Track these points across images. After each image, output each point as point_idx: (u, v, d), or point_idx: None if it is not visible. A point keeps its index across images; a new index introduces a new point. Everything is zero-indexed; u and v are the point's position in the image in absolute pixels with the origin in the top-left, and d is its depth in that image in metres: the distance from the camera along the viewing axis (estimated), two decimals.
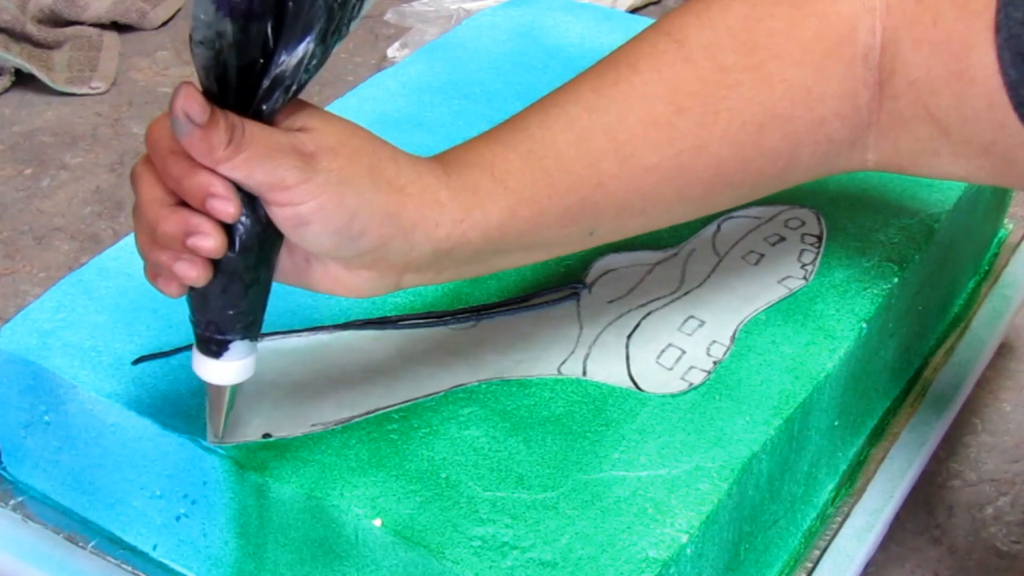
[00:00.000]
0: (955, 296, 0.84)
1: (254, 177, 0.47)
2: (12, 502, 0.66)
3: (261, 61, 0.46)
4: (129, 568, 0.62)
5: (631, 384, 0.62)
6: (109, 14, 1.45)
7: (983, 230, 0.85)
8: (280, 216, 0.48)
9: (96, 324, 0.65)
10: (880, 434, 0.74)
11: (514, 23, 0.91)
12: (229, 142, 0.46)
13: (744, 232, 0.72)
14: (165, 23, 1.48)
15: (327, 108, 0.82)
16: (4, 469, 0.67)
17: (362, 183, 0.49)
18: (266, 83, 0.47)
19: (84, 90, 1.34)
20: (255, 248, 0.49)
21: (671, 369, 0.63)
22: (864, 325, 0.66)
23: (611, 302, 0.67)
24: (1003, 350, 0.96)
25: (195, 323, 0.52)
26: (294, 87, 0.47)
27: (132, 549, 0.63)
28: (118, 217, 1.14)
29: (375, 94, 0.84)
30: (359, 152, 0.50)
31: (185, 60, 1.40)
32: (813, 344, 0.65)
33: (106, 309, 0.66)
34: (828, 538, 0.67)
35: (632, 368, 0.63)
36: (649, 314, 0.66)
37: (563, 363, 0.63)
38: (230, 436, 0.58)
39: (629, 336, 0.65)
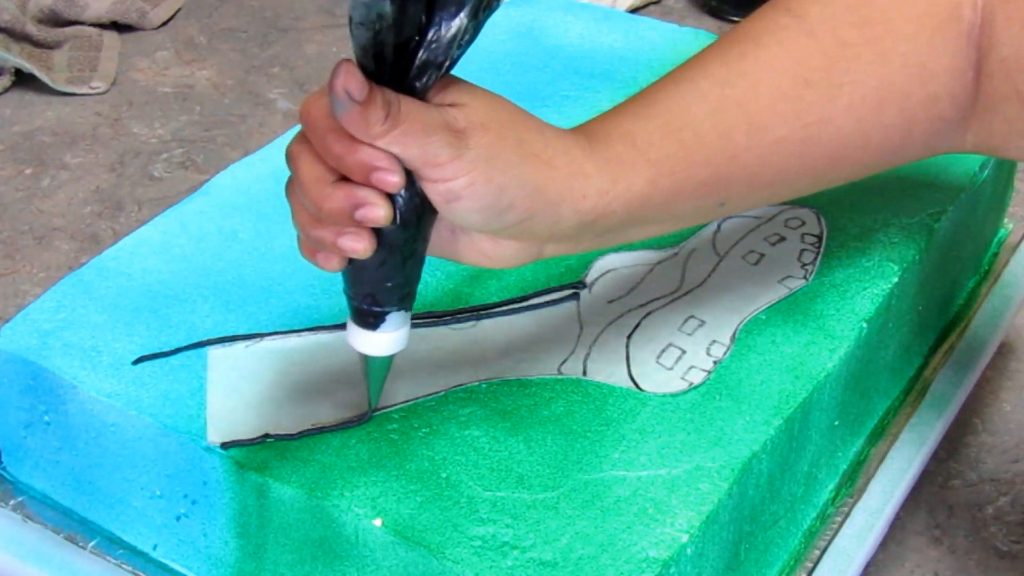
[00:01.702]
0: (955, 296, 0.84)
1: (408, 152, 0.48)
2: (12, 502, 0.66)
3: (416, 39, 0.47)
4: (129, 568, 0.62)
5: (631, 384, 0.62)
6: (109, 14, 1.45)
7: (983, 230, 0.85)
8: (432, 191, 0.50)
9: (96, 324, 0.65)
10: (880, 434, 0.74)
11: (514, 23, 0.91)
12: (386, 118, 0.47)
13: (744, 232, 0.72)
14: (165, 23, 1.48)
15: None
16: (4, 469, 0.67)
17: (510, 158, 0.50)
18: (419, 60, 0.48)
19: (84, 90, 1.34)
20: (414, 221, 0.50)
21: (671, 369, 0.63)
22: (864, 325, 0.66)
23: (611, 302, 0.67)
24: (1003, 350, 0.96)
25: (351, 296, 0.53)
26: (447, 63, 0.49)
27: (132, 549, 0.63)
28: (118, 217, 1.14)
29: None
30: (507, 127, 0.51)
31: (185, 60, 1.41)
32: (813, 344, 0.65)
33: (106, 309, 0.66)
34: (828, 538, 0.67)
35: (632, 368, 0.63)
36: (649, 314, 0.66)
37: (563, 363, 0.63)
38: (229, 433, 0.58)
39: (629, 336, 0.65)
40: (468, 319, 0.66)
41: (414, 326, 0.63)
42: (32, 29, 1.39)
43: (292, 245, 0.70)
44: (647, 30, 0.92)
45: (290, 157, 0.51)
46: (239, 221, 0.72)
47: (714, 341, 0.65)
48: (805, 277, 0.69)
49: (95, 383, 0.61)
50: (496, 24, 0.91)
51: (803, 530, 0.68)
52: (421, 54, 0.48)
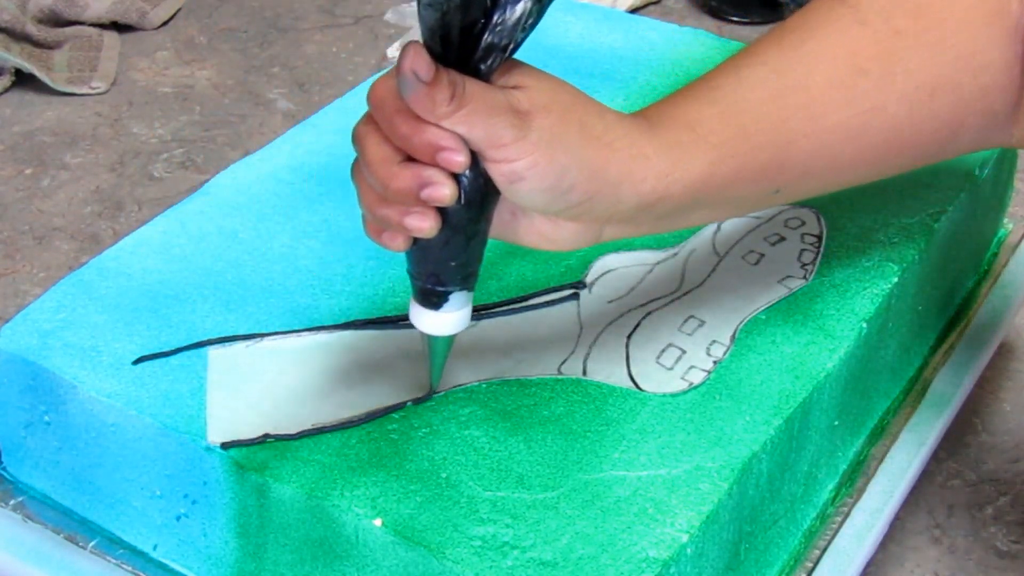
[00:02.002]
0: (955, 296, 0.84)
1: (473, 133, 0.49)
2: (12, 502, 0.66)
3: (481, 21, 0.48)
4: (129, 568, 0.62)
5: (631, 384, 0.62)
6: (109, 14, 1.45)
7: (983, 230, 0.85)
8: (495, 172, 0.50)
9: (96, 324, 0.65)
10: (880, 434, 0.74)
11: None
12: (451, 98, 0.48)
13: (744, 232, 0.72)
14: (165, 23, 1.47)
15: (327, 108, 0.83)
16: (4, 469, 0.67)
17: (572, 140, 0.51)
18: (484, 43, 0.49)
19: (84, 90, 1.33)
20: (477, 201, 0.51)
21: (671, 369, 0.63)
22: (864, 325, 0.66)
23: (611, 302, 0.67)
24: (1003, 350, 0.96)
25: (415, 276, 0.54)
26: (511, 46, 0.49)
27: (132, 549, 0.63)
28: (118, 217, 1.14)
29: None
30: (570, 109, 0.51)
31: (185, 60, 1.41)
32: (813, 344, 0.65)
33: (106, 309, 0.66)
34: (828, 538, 0.67)
35: (632, 368, 0.63)
36: (649, 314, 0.66)
37: (563, 363, 0.63)
38: (229, 433, 0.58)
39: (629, 336, 0.65)
40: None
41: (414, 326, 0.63)
42: (32, 29, 1.39)
43: (292, 245, 0.70)
44: (647, 30, 0.92)
45: (357, 138, 0.51)
46: (239, 221, 0.72)
47: (714, 341, 0.65)
48: (805, 277, 0.69)
49: (95, 383, 0.61)
50: None
51: (803, 530, 0.67)
52: (486, 36, 0.49)
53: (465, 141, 0.49)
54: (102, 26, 1.45)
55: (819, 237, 0.72)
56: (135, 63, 1.40)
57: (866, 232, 0.72)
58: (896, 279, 0.69)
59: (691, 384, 0.62)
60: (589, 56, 0.88)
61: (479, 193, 0.51)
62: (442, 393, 0.61)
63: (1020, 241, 0.89)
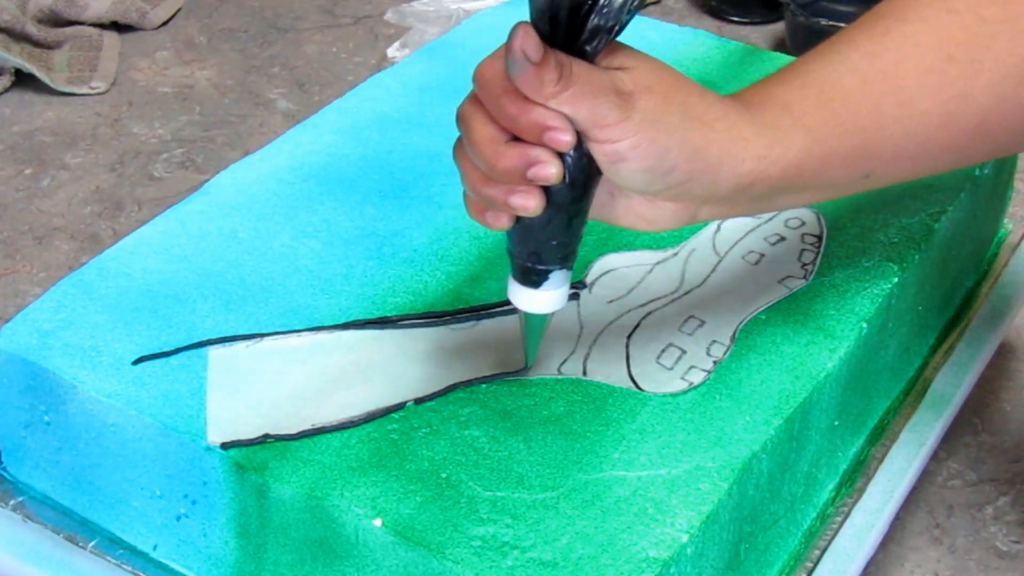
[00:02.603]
0: (955, 296, 0.84)
1: (579, 113, 0.50)
2: (12, 502, 0.66)
3: (588, 3, 0.49)
4: (129, 568, 0.62)
5: (631, 384, 0.62)
6: (109, 14, 1.45)
7: (983, 230, 0.85)
8: (598, 152, 0.51)
9: (96, 324, 0.65)
10: (880, 434, 0.74)
11: (514, 23, 0.91)
12: (559, 79, 0.49)
13: (744, 232, 0.72)
14: (165, 23, 1.47)
15: (327, 108, 0.83)
16: (4, 469, 0.67)
17: (674, 121, 0.52)
18: (591, 24, 0.50)
19: (84, 90, 1.33)
20: (581, 181, 0.52)
21: (671, 369, 0.63)
22: (864, 325, 0.66)
23: (611, 302, 0.67)
24: (1003, 350, 0.96)
25: (515, 255, 0.55)
26: (616, 28, 0.50)
27: (132, 549, 0.63)
28: (118, 217, 1.14)
29: (375, 94, 0.84)
30: (672, 90, 0.52)
31: (185, 60, 1.41)
32: (813, 344, 0.65)
33: (106, 309, 0.66)
34: (828, 538, 0.67)
35: (632, 368, 0.63)
36: (649, 314, 0.66)
37: (563, 363, 0.63)
38: (229, 433, 0.58)
39: (629, 336, 0.65)
40: (468, 319, 0.66)
41: (414, 326, 0.63)
42: (32, 29, 1.39)
43: (292, 245, 0.70)
44: (647, 30, 0.92)
45: (462, 118, 0.52)
46: (239, 221, 0.72)
47: (714, 341, 0.65)
48: (805, 277, 0.69)
49: (95, 383, 0.61)
50: (496, 24, 0.91)
51: (803, 530, 0.67)
52: (593, 18, 0.49)
53: (570, 121, 0.50)
54: (102, 26, 1.45)
55: (819, 237, 0.72)
56: (135, 63, 1.40)
57: (866, 232, 0.72)
58: (896, 279, 0.69)
59: (691, 384, 0.62)
60: None
61: (583, 173, 0.52)
62: (442, 393, 0.61)
63: (1020, 241, 0.89)
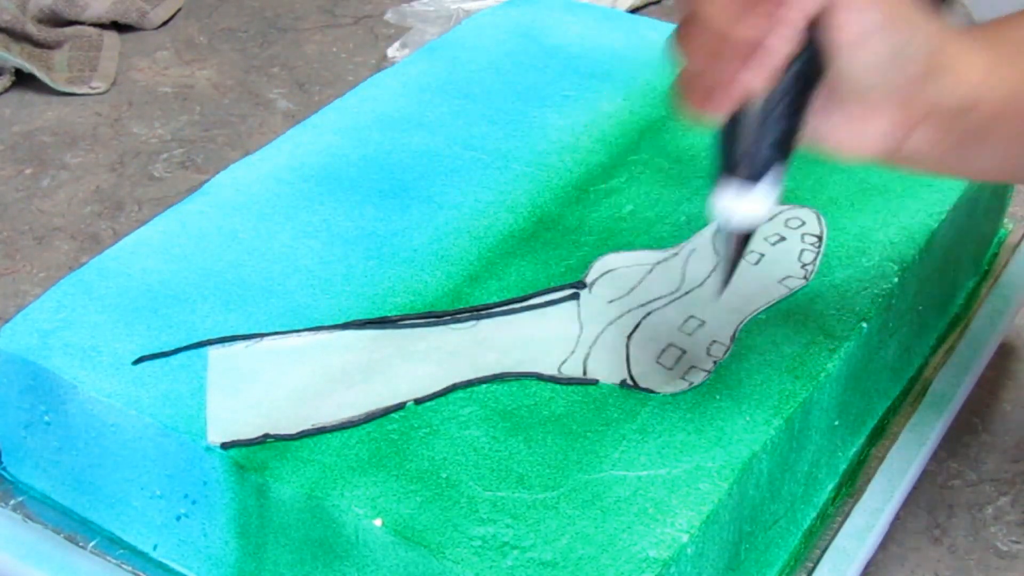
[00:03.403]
0: (955, 296, 0.84)
1: None
2: (12, 502, 0.66)
3: None
4: (129, 568, 0.62)
5: (631, 384, 0.62)
6: (109, 14, 1.45)
7: (983, 230, 0.85)
8: (845, 29, 0.49)
9: (96, 324, 0.65)
10: (880, 434, 0.74)
11: (514, 23, 0.91)
12: None
13: None
14: (165, 23, 1.47)
15: (327, 108, 0.83)
16: (4, 469, 0.67)
17: (913, 12, 0.51)
18: None
19: (84, 90, 1.33)
20: (804, 73, 0.50)
21: (671, 369, 0.63)
22: (864, 325, 0.66)
23: (611, 302, 0.67)
24: (1003, 350, 0.96)
25: (725, 159, 0.52)
26: None
27: (132, 549, 0.63)
28: (118, 217, 1.14)
29: (375, 94, 0.84)
30: None
31: (185, 60, 1.40)
32: (813, 344, 0.65)
33: (106, 309, 0.66)
34: (828, 538, 0.67)
35: (632, 368, 0.63)
36: (649, 314, 0.66)
37: (563, 363, 0.63)
38: (229, 433, 0.58)
39: (629, 336, 0.65)
40: (468, 319, 0.66)
41: (414, 326, 0.63)
42: (32, 29, 1.39)
43: (292, 245, 0.70)
44: (647, 30, 0.92)
45: None
46: (239, 221, 0.72)
47: (714, 341, 0.65)
48: (805, 277, 0.69)
49: (95, 383, 0.61)
50: (496, 24, 0.91)
51: (803, 530, 0.67)
52: None
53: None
54: (102, 26, 1.45)
55: (819, 237, 0.72)
56: (135, 63, 1.40)
57: (866, 232, 0.72)
58: (896, 279, 0.69)
59: (691, 384, 0.62)
60: (589, 56, 0.88)
61: (808, 65, 0.50)
62: (442, 393, 0.61)
63: (1020, 241, 0.89)
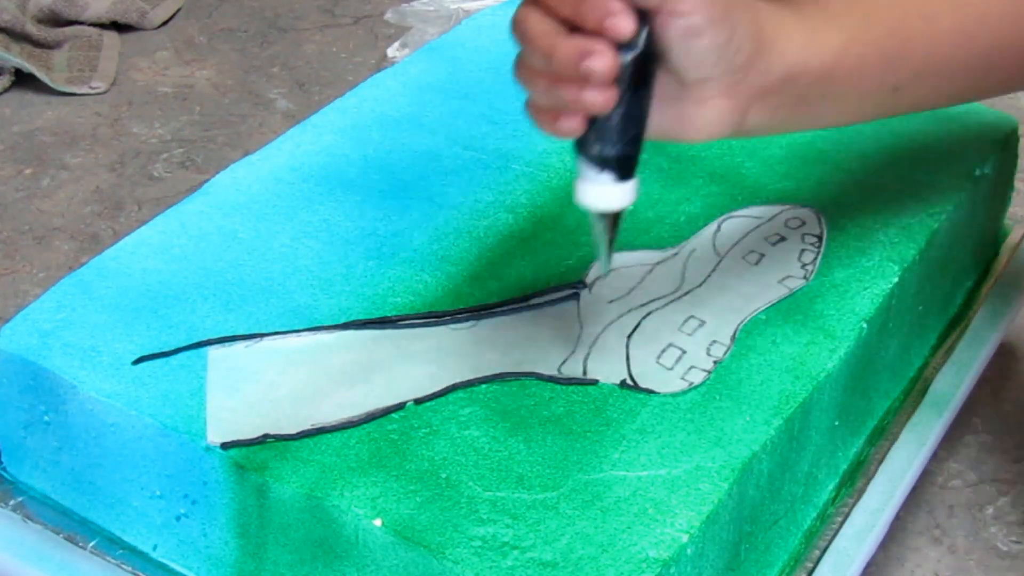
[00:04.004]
0: (955, 296, 0.84)
1: None
2: (12, 502, 0.66)
3: None
4: (129, 568, 0.62)
5: (631, 384, 0.62)
6: (109, 14, 1.45)
7: (983, 230, 0.85)
8: (674, 28, 0.51)
9: (96, 324, 0.65)
10: (880, 434, 0.74)
11: None
12: None
13: (744, 232, 0.72)
14: (165, 23, 1.47)
15: (327, 108, 0.83)
16: (4, 469, 0.67)
17: (734, 4, 0.52)
18: None
19: (84, 90, 1.33)
20: (641, 72, 0.52)
21: (671, 369, 0.63)
22: (864, 325, 0.66)
23: (611, 302, 0.67)
24: (1003, 350, 0.96)
25: (581, 151, 0.54)
26: None
27: (132, 549, 0.63)
28: (118, 217, 1.14)
29: (375, 94, 0.84)
30: None
31: (185, 60, 1.40)
32: (813, 344, 0.65)
33: (106, 309, 0.66)
34: (828, 538, 0.67)
35: (632, 368, 0.63)
36: (649, 314, 0.66)
37: (563, 363, 0.63)
38: (229, 433, 0.58)
39: (629, 336, 0.65)
40: (468, 319, 0.66)
41: (414, 326, 0.63)
42: (32, 29, 1.39)
43: (292, 245, 0.70)
44: None
45: (517, 21, 0.51)
46: (239, 221, 0.72)
47: (714, 341, 0.65)
48: (805, 277, 0.69)
49: (95, 383, 0.61)
50: (496, 24, 0.91)
51: (803, 530, 0.67)
52: None
53: (642, 3, 0.49)
54: (102, 26, 1.45)
55: (819, 237, 0.72)
56: (135, 63, 1.40)
57: (866, 232, 0.72)
58: (896, 279, 0.69)
59: (691, 384, 0.62)
60: None
61: (642, 63, 0.51)
62: (442, 393, 0.61)
63: (1020, 241, 0.89)
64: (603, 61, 0.49)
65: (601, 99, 0.50)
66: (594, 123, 0.52)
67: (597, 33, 0.49)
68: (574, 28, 0.50)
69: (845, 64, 0.57)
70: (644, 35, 0.51)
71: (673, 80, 0.53)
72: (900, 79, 0.61)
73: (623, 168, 0.54)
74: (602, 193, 0.54)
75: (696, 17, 0.51)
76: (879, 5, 0.59)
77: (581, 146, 0.54)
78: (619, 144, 0.53)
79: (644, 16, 0.50)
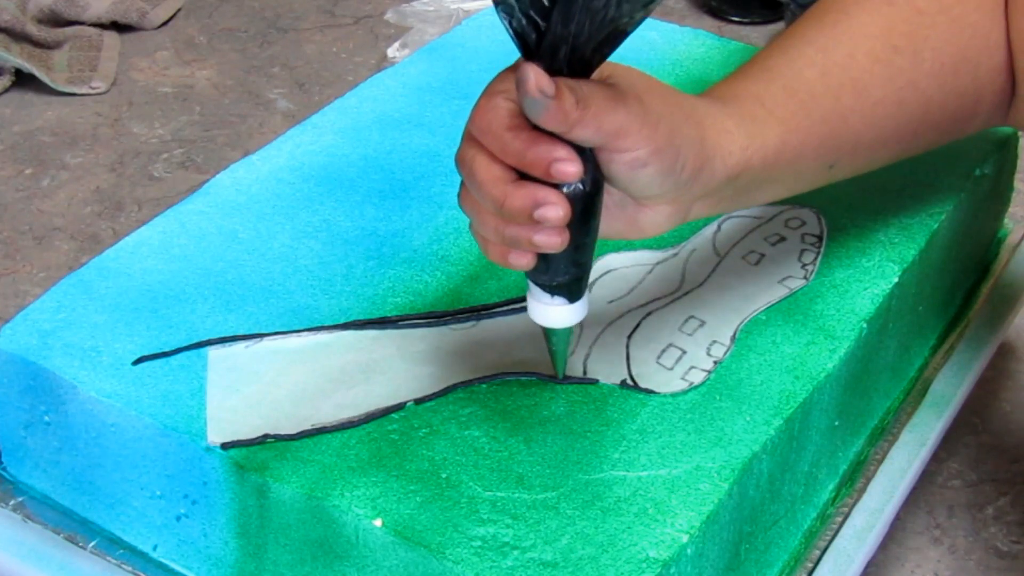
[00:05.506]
0: (955, 296, 0.84)
1: (603, 129, 0.50)
2: (12, 502, 0.66)
3: (605, 35, 0.49)
4: (129, 568, 0.62)
5: (631, 384, 0.62)
6: (109, 14, 1.45)
7: (983, 230, 0.85)
8: (619, 163, 0.51)
9: (96, 324, 0.65)
10: (880, 434, 0.74)
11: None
12: (577, 103, 0.48)
13: (744, 232, 0.72)
14: (165, 23, 1.47)
15: (327, 108, 0.83)
16: (4, 469, 0.67)
17: (677, 119, 0.53)
18: (602, 52, 0.50)
19: (84, 90, 1.33)
20: (589, 207, 0.52)
21: (671, 369, 0.63)
22: (864, 325, 0.66)
23: (611, 302, 0.67)
24: (1003, 350, 0.96)
25: (533, 277, 0.54)
26: (618, 43, 0.50)
27: (132, 549, 0.63)
28: (118, 217, 1.14)
29: (375, 94, 0.84)
30: (661, 90, 0.53)
31: (185, 60, 1.41)
32: (813, 344, 0.65)
33: (106, 309, 0.66)
34: (828, 538, 0.67)
35: (632, 368, 0.63)
36: (649, 314, 0.66)
37: None
38: (229, 433, 0.58)
39: (629, 336, 0.65)
40: (468, 319, 0.66)
41: (414, 326, 0.63)
42: (32, 29, 1.39)
43: (292, 245, 0.70)
44: (647, 30, 0.92)
45: (463, 162, 0.52)
46: (239, 221, 0.72)
47: (714, 341, 0.65)
48: (805, 277, 0.69)
49: (95, 383, 0.61)
50: (496, 24, 0.91)
51: (803, 530, 0.67)
52: (604, 48, 0.49)
53: (587, 143, 0.50)
54: (102, 26, 1.45)
55: (819, 237, 0.72)
56: (135, 63, 1.40)
57: (866, 232, 0.72)
58: (896, 279, 0.69)
59: (691, 384, 0.62)
60: None
61: (590, 199, 0.51)
62: (442, 393, 0.61)
63: (1020, 241, 0.89)
64: (556, 211, 0.50)
65: (554, 241, 0.51)
66: (544, 256, 0.53)
67: (545, 177, 0.50)
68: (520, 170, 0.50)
69: (785, 155, 0.58)
70: (591, 172, 0.51)
71: (620, 198, 0.54)
72: (837, 157, 0.61)
73: (573, 292, 0.55)
74: (555, 314, 0.55)
75: (640, 151, 0.51)
76: (813, 90, 0.59)
77: (531, 274, 0.54)
78: (569, 273, 0.54)
79: (590, 153, 0.51)
